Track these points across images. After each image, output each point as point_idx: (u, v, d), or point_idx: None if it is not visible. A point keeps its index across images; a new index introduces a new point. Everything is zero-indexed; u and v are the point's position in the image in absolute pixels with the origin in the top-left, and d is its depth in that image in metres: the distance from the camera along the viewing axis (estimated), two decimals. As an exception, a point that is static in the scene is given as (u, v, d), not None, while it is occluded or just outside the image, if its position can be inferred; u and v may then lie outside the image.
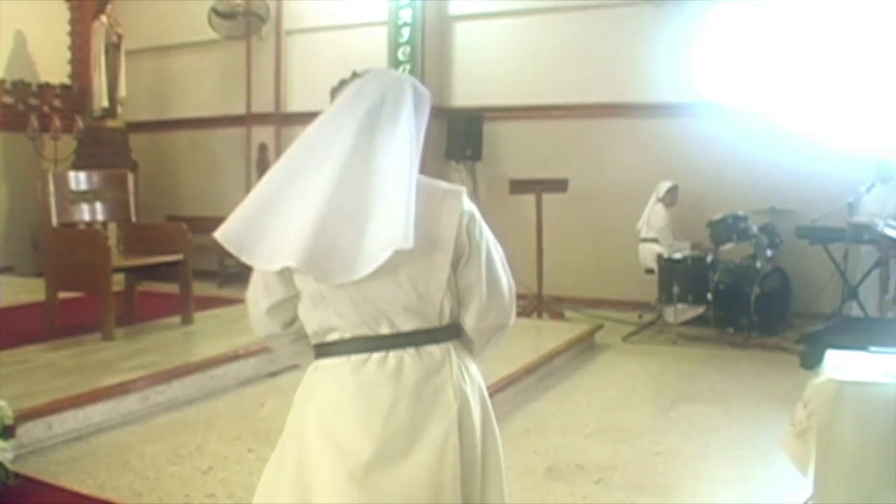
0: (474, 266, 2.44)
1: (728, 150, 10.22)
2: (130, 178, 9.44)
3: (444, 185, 2.53)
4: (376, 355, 2.36)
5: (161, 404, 6.35)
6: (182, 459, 5.37)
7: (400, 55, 11.81)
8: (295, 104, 13.31)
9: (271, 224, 2.39)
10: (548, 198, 10.46)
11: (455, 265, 2.41)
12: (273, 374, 7.32)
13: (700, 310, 9.84)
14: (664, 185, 10.34)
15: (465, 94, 12.14)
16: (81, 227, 8.37)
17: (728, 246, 9.84)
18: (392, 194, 2.29)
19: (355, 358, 2.38)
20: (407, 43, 11.76)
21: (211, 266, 12.42)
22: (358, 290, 2.32)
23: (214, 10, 13.01)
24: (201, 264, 11.39)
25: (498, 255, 2.56)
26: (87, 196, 8.36)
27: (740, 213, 9.76)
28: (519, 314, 10.14)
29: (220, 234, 2.49)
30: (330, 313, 2.39)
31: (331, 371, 2.42)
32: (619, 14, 11.09)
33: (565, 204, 10.64)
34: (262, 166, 13.23)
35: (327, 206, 2.26)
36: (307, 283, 2.39)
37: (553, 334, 8.87)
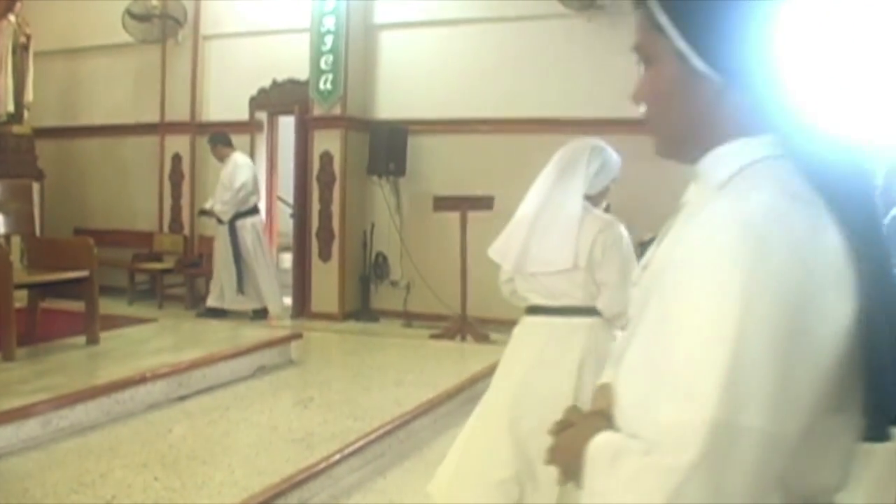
0: (603, 272, 4.10)
1: (658, 168, 10.30)
2: (36, 188, 9.38)
3: (597, 215, 4.31)
4: (542, 318, 4.21)
5: (64, 429, 6.30)
6: (85, 488, 5.34)
7: (322, 64, 11.82)
8: (211, 113, 13.28)
9: (511, 240, 4.24)
10: (473, 216, 10.54)
11: (593, 269, 4.09)
12: (182, 399, 7.31)
13: (629, 331, 9.96)
14: (596, 205, 10.47)
15: (389, 106, 12.18)
16: (-17, 240, 8.30)
17: (658, 266, 9.95)
18: (561, 226, 4.14)
19: (533, 317, 4.26)
20: (330, 51, 11.77)
21: (121, 282, 12.36)
22: (538, 277, 4.18)
23: (129, 12, 12.93)
24: (110, 280, 11.35)
25: (627, 265, 4.09)
26: (-11, 208, 8.31)
27: (671, 233, 9.88)
28: (441, 336, 10.17)
29: (490, 251, 4.36)
30: (525, 288, 4.26)
31: (523, 321, 4.33)
32: (550, 26, 11.20)
33: (491, 222, 10.61)
34: (176, 177, 13.17)
35: (528, 230, 4.17)
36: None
37: (477, 357, 8.92)
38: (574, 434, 1.50)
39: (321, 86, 11.87)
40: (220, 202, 11.53)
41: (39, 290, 8.49)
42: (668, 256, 1.36)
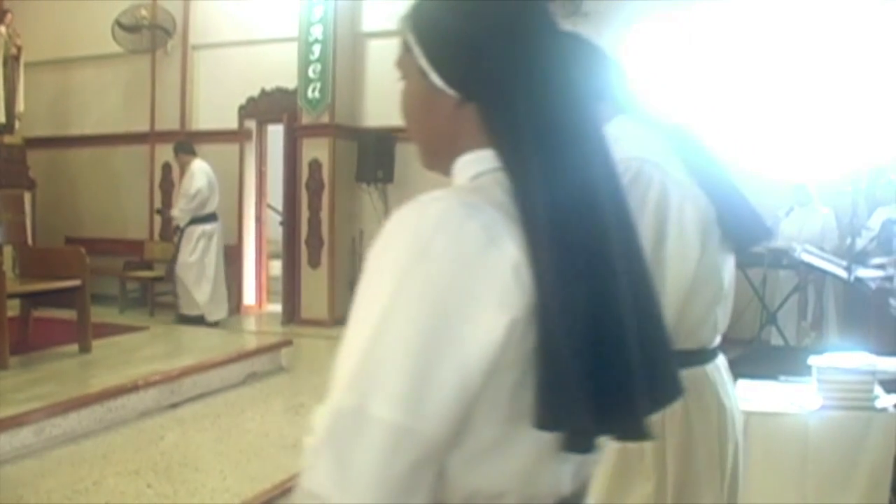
0: None
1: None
2: (27, 197, 9.37)
3: None
4: None
5: (57, 437, 6.30)
6: (78, 495, 5.35)
7: (310, 73, 11.83)
8: (201, 122, 13.28)
9: None
10: (461, 221, 10.57)
11: None
12: (174, 406, 7.32)
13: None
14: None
15: (376, 114, 12.14)
16: (-25, 250, 8.30)
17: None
18: None
19: None
20: (318, 60, 11.78)
21: (112, 290, 12.34)
22: None
23: (118, 23, 12.92)
24: (102, 288, 11.33)
25: None
26: (-19, 218, 8.31)
27: (658, 237, 9.89)
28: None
29: None
30: None
31: None
32: (535, 33, 11.21)
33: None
34: (166, 186, 13.16)
35: None
36: None
37: (466, 362, 8.92)
38: None
39: (309, 94, 11.87)
40: (177, 208, 11.55)
41: (32, 299, 8.49)
42: None
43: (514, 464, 1.36)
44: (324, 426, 1.28)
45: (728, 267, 2.67)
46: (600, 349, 1.31)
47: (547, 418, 1.28)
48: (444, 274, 1.27)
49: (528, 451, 1.36)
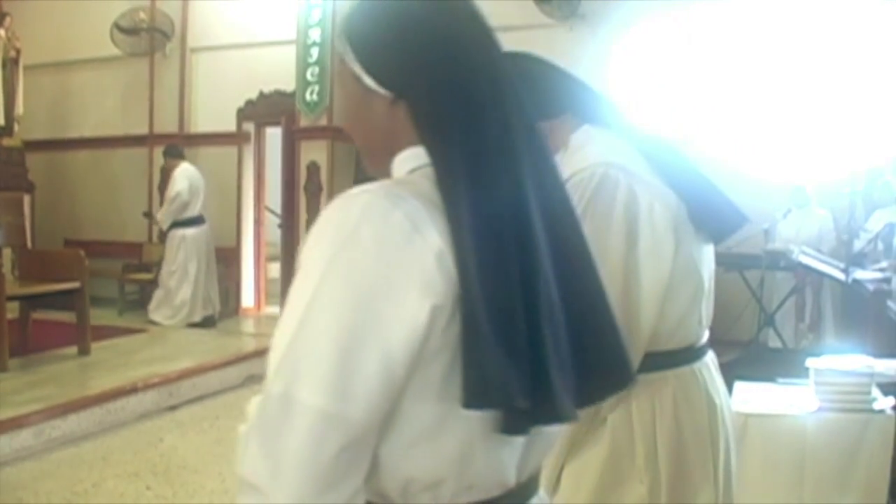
0: None
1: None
2: (27, 200, 9.35)
3: None
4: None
5: (56, 439, 6.31)
6: (78, 497, 5.35)
7: (308, 75, 11.81)
8: (200, 125, 13.26)
9: None
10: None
11: None
12: (173, 408, 7.33)
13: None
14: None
15: (375, 116, 12.10)
16: (-26, 253, 8.30)
17: (644, 273, 9.95)
18: None
19: None
20: (316, 63, 11.75)
21: (111, 292, 12.32)
22: None
23: (117, 26, 12.91)
24: (101, 290, 11.31)
25: None
26: (-19, 221, 8.31)
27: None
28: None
29: None
30: None
31: None
32: (532, 36, 11.11)
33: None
34: (165, 189, 13.14)
35: None
36: None
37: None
38: None
39: (307, 97, 11.85)
40: (160, 212, 11.59)
41: (31, 302, 8.49)
42: None
43: (447, 448, 1.38)
44: (254, 412, 1.32)
45: (706, 262, 2.66)
46: (521, 333, 1.34)
47: (472, 396, 1.30)
48: (367, 261, 1.31)
49: (461, 434, 1.38)
